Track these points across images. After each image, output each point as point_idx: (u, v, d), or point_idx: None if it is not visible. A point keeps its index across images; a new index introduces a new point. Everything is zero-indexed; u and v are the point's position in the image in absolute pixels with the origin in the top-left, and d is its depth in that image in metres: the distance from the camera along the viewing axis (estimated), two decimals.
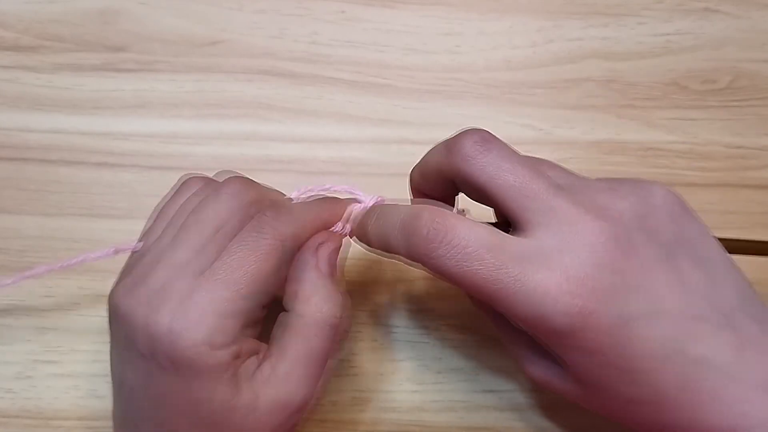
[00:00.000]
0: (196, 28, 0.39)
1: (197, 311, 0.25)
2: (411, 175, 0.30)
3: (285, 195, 0.30)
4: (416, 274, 0.35)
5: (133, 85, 0.38)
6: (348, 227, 0.29)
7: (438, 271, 0.25)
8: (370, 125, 0.38)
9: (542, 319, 0.24)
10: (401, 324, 0.35)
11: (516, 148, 0.26)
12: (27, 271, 0.31)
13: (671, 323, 0.24)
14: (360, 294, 0.35)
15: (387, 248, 0.27)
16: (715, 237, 0.26)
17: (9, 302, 0.35)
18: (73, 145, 0.37)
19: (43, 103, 0.38)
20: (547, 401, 0.34)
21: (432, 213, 0.25)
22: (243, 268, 0.26)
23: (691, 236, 0.26)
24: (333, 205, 0.29)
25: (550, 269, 0.24)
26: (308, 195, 0.30)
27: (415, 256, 0.25)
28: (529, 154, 0.26)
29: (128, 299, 0.26)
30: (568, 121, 0.38)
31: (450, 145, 0.26)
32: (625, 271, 0.24)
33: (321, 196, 0.30)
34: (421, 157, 0.29)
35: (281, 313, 0.27)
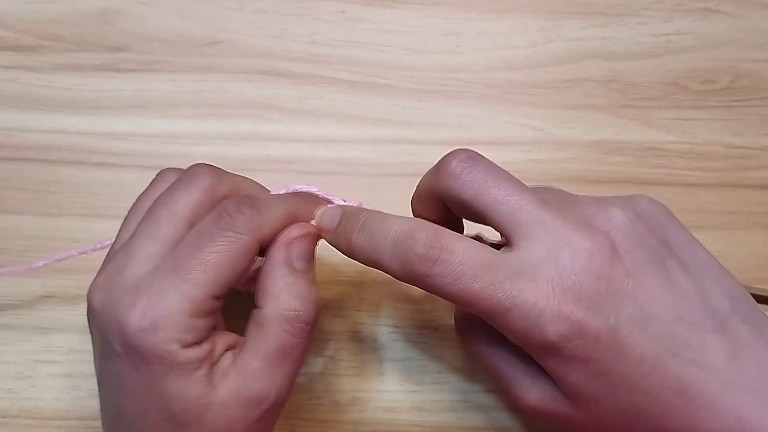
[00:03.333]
0: (196, 28, 0.39)
1: (168, 310, 0.24)
2: (411, 203, 0.30)
3: (261, 185, 0.30)
4: None
5: (133, 85, 0.38)
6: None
7: (433, 291, 0.25)
8: (370, 125, 0.38)
9: (534, 332, 0.24)
10: (401, 324, 0.35)
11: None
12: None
13: (662, 328, 0.24)
14: (360, 294, 0.35)
15: (376, 265, 0.26)
16: (701, 244, 0.27)
17: (9, 302, 0.35)
18: (73, 145, 0.37)
19: (43, 103, 0.38)
20: None
21: (428, 231, 0.25)
22: (217, 270, 0.25)
23: (678, 243, 0.26)
24: (309, 199, 0.29)
25: (538, 281, 0.24)
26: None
27: (409, 276, 0.25)
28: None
29: (101, 296, 0.26)
30: (568, 121, 0.38)
31: (438, 166, 0.27)
32: (612, 278, 0.24)
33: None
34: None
35: (253, 310, 0.27)
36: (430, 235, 0.25)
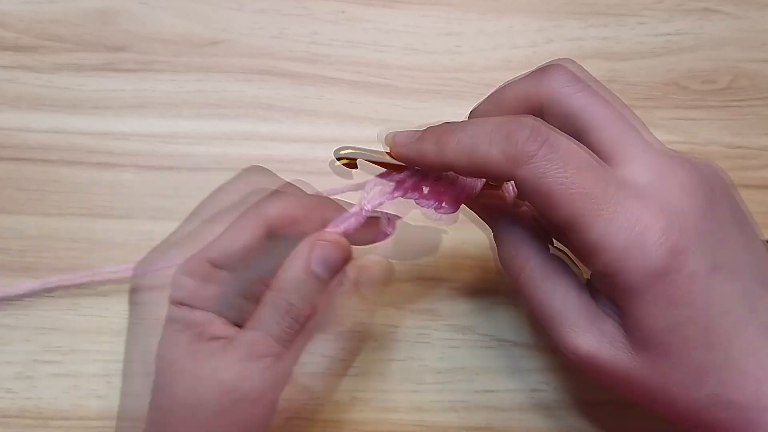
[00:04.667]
0: (196, 28, 0.39)
1: (164, 264, 0.27)
2: (475, 111, 0.28)
3: (302, 189, 0.30)
4: (416, 273, 0.35)
5: (133, 85, 0.38)
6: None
7: (534, 177, 0.23)
8: (370, 125, 0.38)
9: (635, 252, 0.22)
10: (401, 324, 0.35)
11: None
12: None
13: (746, 283, 0.23)
14: (360, 294, 0.35)
15: (472, 158, 0.24)
16: None
17: (9, 302, 0.34)
18: (73, 145, 0.37)
19: (43, 103, 0.38)
20: (547, 401, 0.34)
21: (533, 119, 0.24)
22: (218, 235, 0.27)
23: (746, 216, 0.26)
24: (331, 205, 0.29)
25: (646, 200, 0.23)
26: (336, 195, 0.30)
27: (513, 159, 0.23)
28: None
29: (136, 266, 0.29)
30: None
31: (542, 72, 0.26)
32: (712, 219, 0.23)
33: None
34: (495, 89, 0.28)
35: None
36: (536, 122, 0.23)
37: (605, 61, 0.39)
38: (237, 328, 0.27)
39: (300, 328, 0.26)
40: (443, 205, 0.28)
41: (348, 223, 0.28)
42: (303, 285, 0.26)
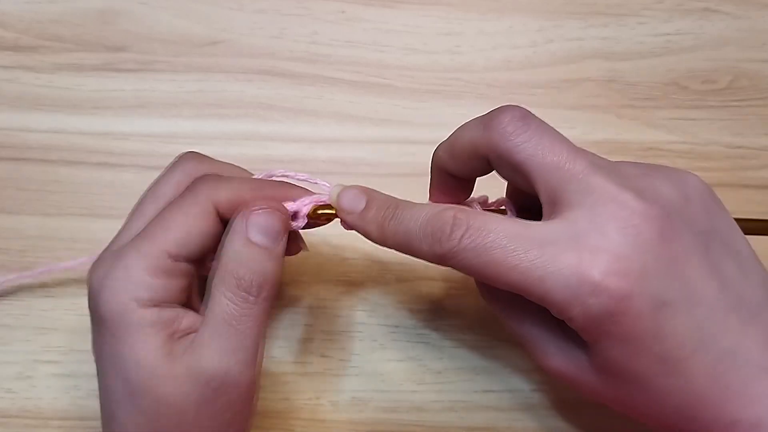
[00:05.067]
0: (196, 28, 0.39)
1: (123, 267, 0.25)
2: (436, 152, 0.29)
3: (247, 171, 0.30)
4: (416, 274, 0.35)
5: (133, 85, 0.38)
6: (303, 214, 0.28)
7: (462, 266, 0.24)
8: (370, 125, 0.38)
9: (575, 304, 0.23)
10: (401, 324, 0.35)
11: None
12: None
13: (705, 313, 0.23)
14: (360, 294, 0.35)
15: (408, 249, 0.26)
16: (740, 230, 0.26)
17: (9, 302, 0.34)
18: (73, 145, 0.37)
19: (43, 103, 0.38)
20: (547, 401, 0.34)
21: (455, 210, 0.25)
22: (171, 226, 0.26)
23: (723, 228, 0.26)
24: (280, 185, 0.29)
25: (582, 250, 0.23)
26: (270, 177, 0.30)
27: (439, 255, 0.25)
28: None
29: (89, 272, 0.27)
30: (568, 121, 0.38)
31: (487, 121, 0.26)
32: (662, 255, 0.23)
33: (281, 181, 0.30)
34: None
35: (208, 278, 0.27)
36: (458, 213, 0.25)
37: (605, 61, 0.39)
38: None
39: (255, 299, 0.26)
40: None
41: (303, 204, 0.28)
42: (245, 256, 0.26)
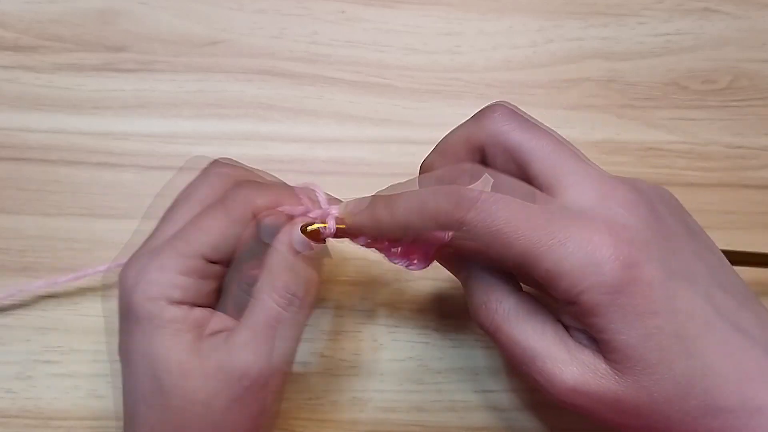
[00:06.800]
0: (196, 28, 0.39)
1: (158, 266, 0.26)
2: (424, 163, 0.29)
3: (277, 178, 0.30)
4: (416, 273, 0.35)
5: (133, 85, 0.38)
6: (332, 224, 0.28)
7: (477, 223, 0.24)
8: (370, 125, 0.38)
9: (590, 271, 0.23)
10: (401, 324, 0.35)
11: None
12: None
13: (705, 288, 0.24)
14: (360, 294, 0.35)
15: (421, 211, 0.25)
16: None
17: (9, 302, 0.35)
18: (73, 145, 0.37)
19: (43, 103, 0.38)
20: (547, 401, 0.34)
21: (473, 164, 0.25)
22: (208, 231, 0.26)
23: (693, 225, 0.27)
24: (312, 192, 0.29)
25: (591, 222, 0.23)
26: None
27: (456, 204, 0.24)
28: None
29: (122, 270, 0.27)
30: (568, 121, 0.38)
31: (479, 116, 0.27)
32: (659, 230, 0.24)
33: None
34: (419, 161, 0.29)
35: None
36: (474, 166, 0.25)
37: (605, 61, 0.39)
38: (236, 321, 0.27)
39: (300, 305, 0.27)
40: (414, 262, 0.29)
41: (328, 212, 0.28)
42: (293, 264, 0.27)
